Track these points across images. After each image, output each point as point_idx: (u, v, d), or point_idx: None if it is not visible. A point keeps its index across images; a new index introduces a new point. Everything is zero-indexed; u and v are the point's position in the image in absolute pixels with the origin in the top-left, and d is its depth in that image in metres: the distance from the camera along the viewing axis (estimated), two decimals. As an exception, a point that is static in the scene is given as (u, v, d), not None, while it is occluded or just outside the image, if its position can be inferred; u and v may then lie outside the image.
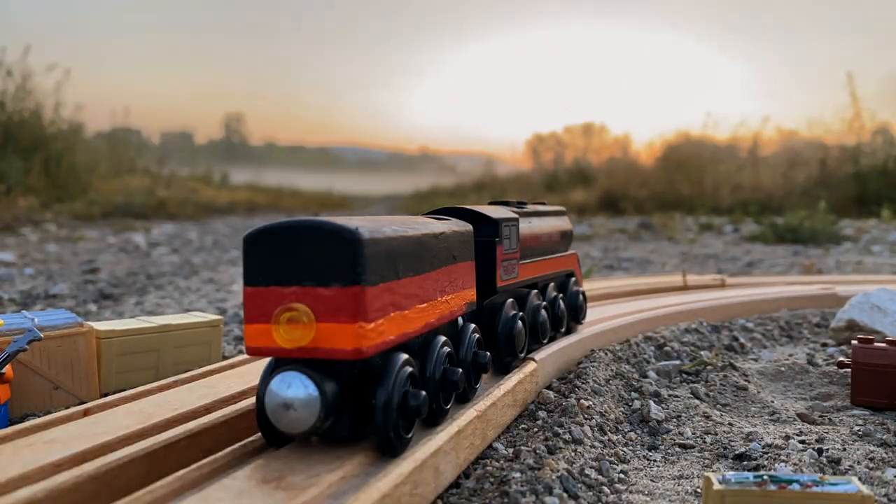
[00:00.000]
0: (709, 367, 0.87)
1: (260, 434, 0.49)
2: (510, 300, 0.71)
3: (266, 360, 0.49)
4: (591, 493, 0.53)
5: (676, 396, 0.79)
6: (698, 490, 0.56)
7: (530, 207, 0.83)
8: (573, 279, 0.91)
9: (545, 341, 0.78)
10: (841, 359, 0.82)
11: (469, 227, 0.63)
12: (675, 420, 0.72)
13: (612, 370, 0.81)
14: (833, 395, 0.82)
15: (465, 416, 0.55)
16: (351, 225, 0.45)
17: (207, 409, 0.58)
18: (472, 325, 0.61)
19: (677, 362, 0.89)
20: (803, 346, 1.11)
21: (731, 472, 0.49)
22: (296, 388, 0.44)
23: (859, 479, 0.56)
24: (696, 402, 0.76)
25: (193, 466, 0.45)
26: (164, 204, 4.76)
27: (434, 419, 0.53)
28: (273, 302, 0.45)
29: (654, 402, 0.75)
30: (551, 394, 0.72)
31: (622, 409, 0.74)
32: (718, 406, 0.78)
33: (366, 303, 0.44)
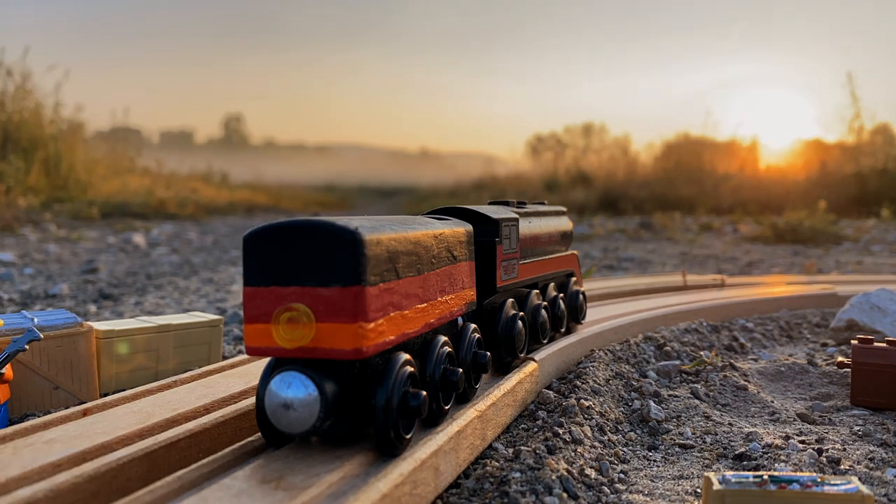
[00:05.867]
0: (709, 367, 0.87)
1: (260, 434, 0.49)
2: (510, 300, 0.71)
3: (266, 360, 0.49)
4: (591, 493, 0.53)
5: (676, 396, 0.78)
6: (698, 490, 0.56)
7: (530, 207, 0.83)
8: (573, 279, 0.91)
9: (545, 341, 0.78)
10: (841, 359, 0.82)
11: (469, 227, 0.63)
12: (675, 420, 0.72)
13: (611, 370, 0.81)
14: (833, 395, 0.82)
15: (465, 416, 0.55)
16: (351, 225, 0.45)
17: (207, 409, 0.58)
18: (472, 325, 0.61)
19: (677, 362, 0.89)
20: (803, 346, 1.11)
21: (731, 472, 0.49)
22: (296, 388, 0.44)
23: (859, 479, 0.56)
24: (696, 402, 0.76)
25: (193, 466, 0.45)
26: (164, 204, 4.76)
27: (434, 419, 0.53)
28: (273, 302, 0.45)
29: (654, 402, 0.75)
30: (551, 394, 0.72)
31: (622, 409, 0.74)
32: (718, 406, 0.78)
33: (366, 303, 0.44)
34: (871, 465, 0.60)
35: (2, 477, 0.43)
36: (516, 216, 0.74)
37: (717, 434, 0.68)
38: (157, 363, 0.84)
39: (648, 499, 0.54)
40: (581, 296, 0.90)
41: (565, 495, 0.51)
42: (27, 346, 0.66)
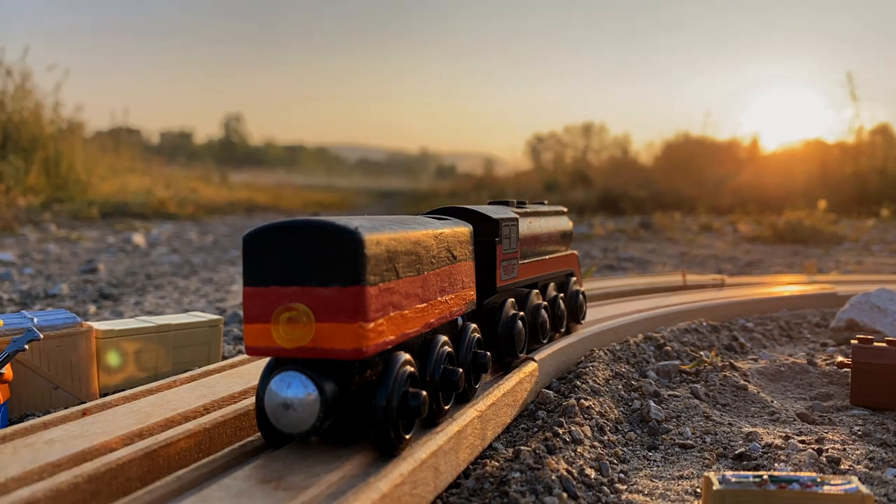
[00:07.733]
0: (709, 367, 0.87)
1: (260, 434, 0.49)
2: (510, 300, 0.71)
3: (266, 360, 0.49)
4: (590, 493, 0.53)
5: (676, 396, 0.78)
6: (698, 490, 0.56)
7: (530, 207, 0.83)
8: (573, 279, 0.91)
9: (545, 341, 0.78)
10: (841, 359, 0.82)
11: (469, 227, 0.63)
12: (674, 420, 0.72)
13: (611, 370, 0.81)
14: (833, 395, 0.82)
15: (465, 416, 0.55)
16: (351, 225, 0.45)
17: (207, 409, 0.58)
18: (472, 325, 0.61)
19: (677, 362, 0.89)
20: (803, 346, 1.11)
21: (731, 472, 0.49)
22: (295, 388, 0.43)
23: (859, 479, 0.56)
24: (696, 402, 0.76)
25: (193, 466, 0.45)
26: (164, 204, 4.76)
27: (434, 419, 0.53)
28: (273, 302, 0.45)
29: (654, 402, 0.75)
30: (551, 394, 0.72)
31: (622, 409, 0.74)
32: (718, 406, 0.78)
33: (366, 303, 0.44)
34: (871, 465, 0.60)
35: (2, 477, 0.42)
36: (516, 216, 0.74)
37: (716, 434, 0.68)
38: (156, 363, 0.84)
39: (648, 499, 0.54)
40: (581, 296, 0.90)
41: (565, 495, 0.51)
42: (27, 346, 0.66)
